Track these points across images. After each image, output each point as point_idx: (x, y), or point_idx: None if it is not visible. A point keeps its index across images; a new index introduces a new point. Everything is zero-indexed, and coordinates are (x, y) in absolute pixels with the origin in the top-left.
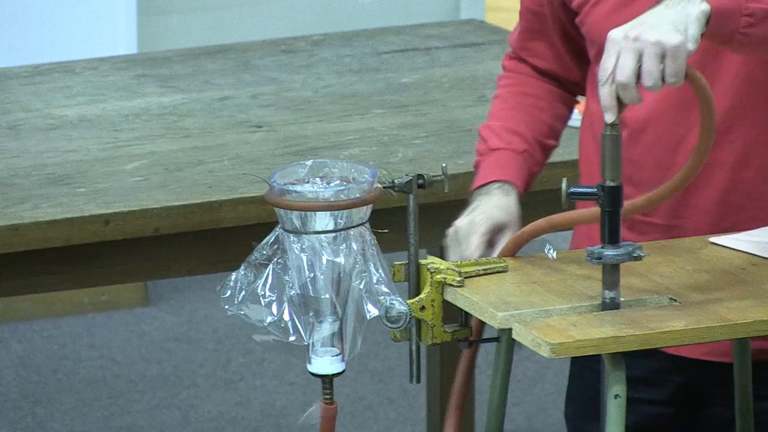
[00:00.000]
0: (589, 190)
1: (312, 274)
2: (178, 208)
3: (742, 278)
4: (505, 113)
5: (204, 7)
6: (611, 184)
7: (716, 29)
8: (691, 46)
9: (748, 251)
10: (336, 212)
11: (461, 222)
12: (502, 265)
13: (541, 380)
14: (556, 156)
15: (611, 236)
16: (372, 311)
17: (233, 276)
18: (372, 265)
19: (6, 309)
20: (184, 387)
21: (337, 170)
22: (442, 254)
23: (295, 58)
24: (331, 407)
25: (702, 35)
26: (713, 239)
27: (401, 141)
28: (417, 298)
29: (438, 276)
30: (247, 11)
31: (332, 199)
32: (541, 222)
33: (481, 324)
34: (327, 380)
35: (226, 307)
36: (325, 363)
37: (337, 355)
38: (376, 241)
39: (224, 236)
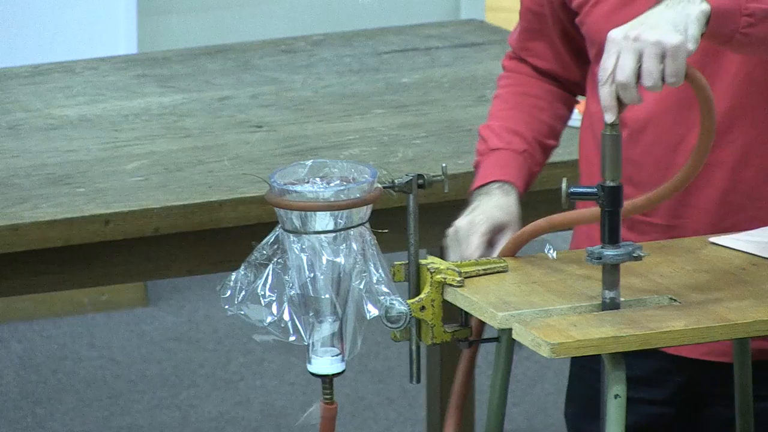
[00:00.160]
0: (589, 190)
1: (312, 274)
2: (178, 208)
3: (742, 278)
4: (505, 113)
5: (204, 7)
6: (611, 184)
7: (716, 29)
8: (691, 46)
9: (748, 251)
10: (336, 212)
11: (461, 222)
12: (502, 265)
13: (541, 380)
14: (556, 156)
15: (611, 236)
16: (372, 311)
17: (233, 276)
18: (372, 265)
19: (6, 309)
20: (184, 387)
21: (337, 170)
22: (442, 254)
23: (295, 58)
24: (331, 407)
25: (702, 35)
26: (713, 239)
27: (401, 141)
28: (417, 298)
29: (438, 276)
30: (247, 11)
31: (332, 199)
32: (541, 222)
33: (481, 324)
34: (327, 380)
35: (226, 307)
36: (325, 363)
37: (337, 355)
38: (376, 241)
39: (224, 236)
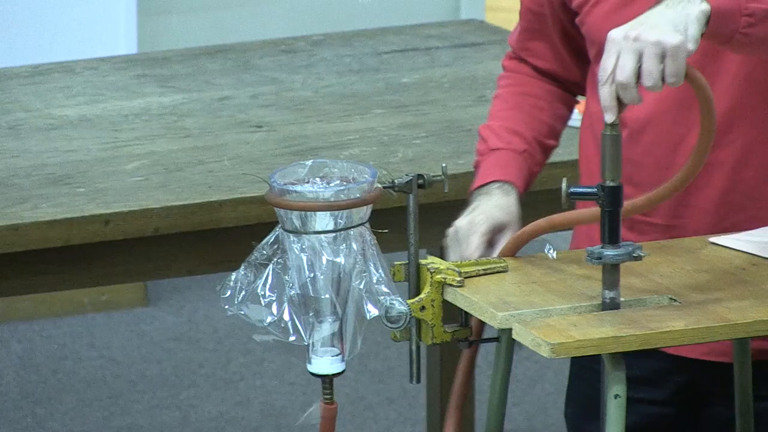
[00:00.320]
0: (588, 190)
1: (312, 274)
2: (178, 208)
3: (742, 278)
4: (505, 113)
5: (204, 7)
6: (611, 184)
7: (716, 29)
8: (691, 46)
9: (748, 251)
10: (336, 212)
11: (461, 222)
12: (502, 265)
13: (541, 380)
14: (556, 156)
15: (611, 236)
16: (372, 311)
17: (233, 276)
18: (372, 265)
19: (6, 309)
20: (184, 387)
21: (337, 170)
22: (442, 254)
23: (295, 58)
24: (331, 407)
25: (702, 35)
26: (713, 239)
27: (401, 141)
28: (417, 298)
29: (438, 276)
30: (247, 11)
31: (332, 199)
32: (541, 222)
33: (481, 324)
34: (327, 380)
35: (226, 307)
36: (325, 363)
37: (337, 355)
38: (376, 241)
39: (224, 236)
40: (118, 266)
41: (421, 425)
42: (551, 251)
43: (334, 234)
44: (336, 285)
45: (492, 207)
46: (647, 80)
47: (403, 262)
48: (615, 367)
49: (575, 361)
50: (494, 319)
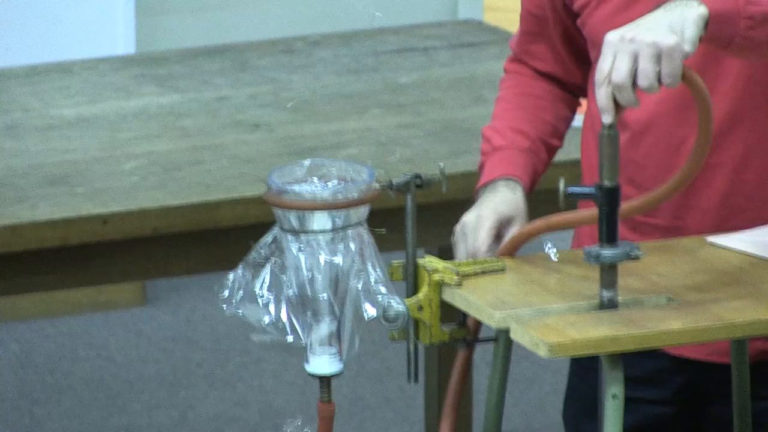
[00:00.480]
0: (586, 190)
1: (310, 274)
2: (177, 208)
3: (741, 278)
4: (508, 113)
5: (202, 7)
6: (608, 184)
7: (715, 32)
8: (687, 47)
9: (746, 251)
10: (334, 212)
11: (468, 217)
12: (499, 264)
13: (538, 380)
14: (556, 156)
15: (609, 236)
16: (370, 311)
17: (231, 276)
18: (370, 264)
19: (4, 309)
20: (182, 387)
21: (335, 170)
22: (440, 254)
23: (293, 58)
24: (329, 407)
25: (702, 39)
26: (711, 239)
27: (399, 141)
28: (415, 298)
29: (436, 276)
30: (245, 11)
31: (330, 199)
32: (539, 222)
33: (479, 324)
34: (325, 380)
35: (224, 307)
36: (322, 363)
37: (334, 355)
38: (374, 241)
39: (222, 236)
40: (116, 266)
41: (419, 425)
42: (552, 250)
43: (331, 234)
44: (334, 285)
45: (498, 202)
46: (643, 81)
47: (401, 261)
48: (613, 367)
49: (573, 361)
50: (492, 318)
